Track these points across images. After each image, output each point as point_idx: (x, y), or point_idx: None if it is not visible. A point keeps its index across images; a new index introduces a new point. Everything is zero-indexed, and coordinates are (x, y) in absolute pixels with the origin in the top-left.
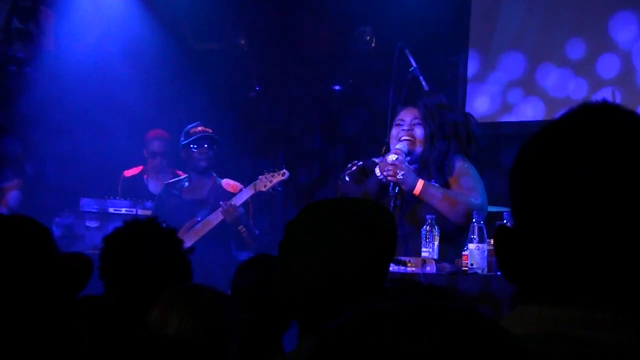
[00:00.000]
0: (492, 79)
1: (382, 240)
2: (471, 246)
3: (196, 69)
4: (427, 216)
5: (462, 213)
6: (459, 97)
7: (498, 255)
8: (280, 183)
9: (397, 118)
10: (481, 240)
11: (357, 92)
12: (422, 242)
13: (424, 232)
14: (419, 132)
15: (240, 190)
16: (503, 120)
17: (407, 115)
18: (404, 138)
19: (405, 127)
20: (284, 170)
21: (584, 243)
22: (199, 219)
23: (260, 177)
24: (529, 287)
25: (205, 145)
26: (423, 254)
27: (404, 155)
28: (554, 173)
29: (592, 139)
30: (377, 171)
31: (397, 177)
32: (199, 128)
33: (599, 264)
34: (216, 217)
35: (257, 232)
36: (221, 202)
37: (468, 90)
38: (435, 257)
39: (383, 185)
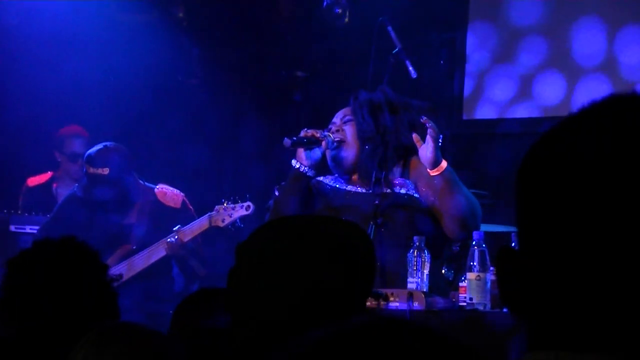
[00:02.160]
0: (498, 61)
1: (357, 267)
2: (471, 276)
3: (120, 47)
4: (415, 238)
5: (471, 214)
6: (456, 86)
7: (501, 285)
8: (243, 218)
9: (330, 124)
10: (483, 269)
11: (327, 80)
12: (408, 270)
13: (410, 258)
14: (349, 130)
15: (183, 202)
16: (512, 115)
17: (337, 116)
18: (335, 139)
19: (334, 128)
20: (249, 203)
21: (613, 272)
22: (134, 246)
23: (217, 207)
24: (541, 326)
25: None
26: (409, 286)
27: (323, 146)
28: (575, 181)
29: (624, 138)
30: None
31: (437, 147)
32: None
33: (634, 301)
34: (157, 252)
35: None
36: (168, 239)
37: (467, 77)
38: (425, 289)
39: (307, 180)
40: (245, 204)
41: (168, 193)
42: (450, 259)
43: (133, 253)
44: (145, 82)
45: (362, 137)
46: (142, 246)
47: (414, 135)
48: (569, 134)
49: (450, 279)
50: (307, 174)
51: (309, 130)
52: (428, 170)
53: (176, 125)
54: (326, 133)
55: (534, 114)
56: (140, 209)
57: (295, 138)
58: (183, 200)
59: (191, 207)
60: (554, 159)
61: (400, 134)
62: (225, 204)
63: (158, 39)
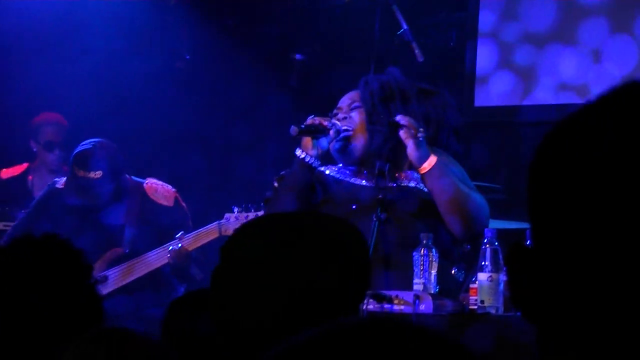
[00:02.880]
0: (515, 43)
1: (351, 267)
2: (482, 276)
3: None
4: (422, 235)
5: (473, 213)
6: (467, 70)
7: (512, 286)
8: None
9: (335, 108)
10: (496, 269)
11: (326, 63)
12: (414, 270)
13: (417, 258)
14: (357, 118)
15: (175, 199)
16: (530, 102)
17: (344, 101)
18: (343, 128)
19: (340, 115)
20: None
21: (634, 271)
22: (127, 250)
23: (228, 215)
24: (556, 330)
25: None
26: (416, 287)
27: (331, 134)
28: (592, 174)
29: None
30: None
31: (418, 136)
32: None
33: None
34: (159, 259)
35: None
36: (171, 246)
37: (479, 60)
38: (433, 291)
39: (312, 171)
40: (260, 213)
41: (159, 189)
42: (460, 259)
43: (125, 257)
44: (128, 66)
45: (372, 127)
46: (134, 249)
47: (401, 133)
48: (587, 123)
49: (460, 280)
50: (313, 165)
51: (316, 118)
52: (418, 169)
53: (160, 112)
54: (334, 121)
55: (555, 100)
56: (130, 208)
57: (303, 126)
58: (175, 197)
59: (184, 205)
60: (569, 150)
61: (428, 115)
62: (237, 212)
63: (143, 18)
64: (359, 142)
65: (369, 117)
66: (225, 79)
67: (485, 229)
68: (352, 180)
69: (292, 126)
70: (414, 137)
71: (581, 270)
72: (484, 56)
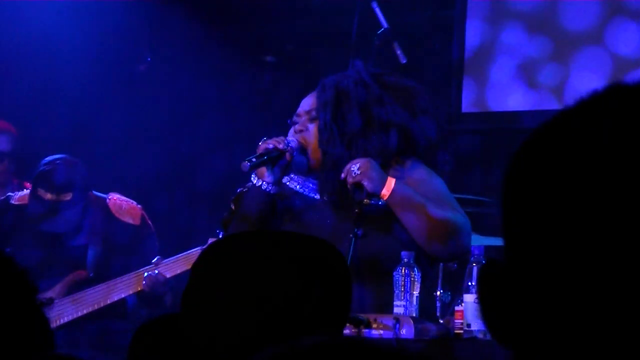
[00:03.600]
0: (506, 44)
1: (331, 289)
2: (468, 298)
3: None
4: (403, 253)
5: (448, 236)
6: (454, 73)
7: (482, 305)
8: None
9: (294, 115)
10: None
11: (300, 66)
12: (394, 291)
13: (397, 277)
14: (314, 132)
15: (142, 216)
16: (523, 108)
17: (303, 107)
18: (293, 145)
19: (297, 127)
20: None
21: (619, 291)
22: (92, 273)
23: (212, 240)
24: (534, 355)
25: None
26: (396, 310)
27: (288, 158)
28: (579, 183)
29: (631, 135)
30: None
31: (369, 173)
32: None
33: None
34: (129, 286)
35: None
36: (147, 272)
37: (467, 63)
38: (415, 314)
39: (270, 198)
40: None
41: (124, 205)
42: (446, 279)
43: (90, 281)
44: (85, 69)
45: (324, 148)
46: (99, 272)
47: (349, 180)
48: (569, 129)
49: (446, 301)
50: (271, 192)
51: (269, 142)
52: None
53: (122, 119)
54: (289, 140)
55: (550, 105)
56: (93, 226)
57: (254, 159)
58: (142, 215)
59: (150, 223)
60: (549, 158)
61: (371, 139)
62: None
63: (102, 17)
64: (316, 157)
65: (320, 136)
66: (190, 83)
67: (473, 246)
68: (315, 195)
69: (243, 162)
70: (363, 175)
71: (559, 290)
72: (473, 59)
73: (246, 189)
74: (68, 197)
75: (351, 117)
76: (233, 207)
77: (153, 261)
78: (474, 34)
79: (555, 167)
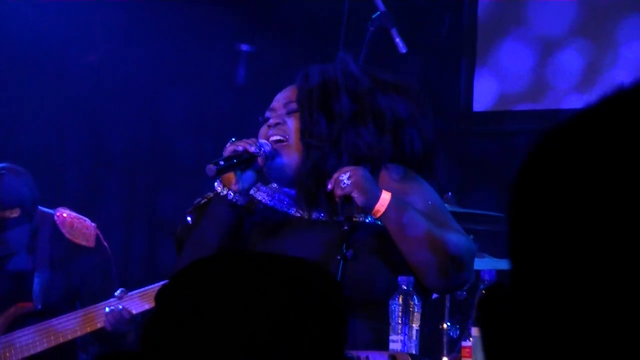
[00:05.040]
0: (523, 32)
1: (323, 322)
2: (477, 332)
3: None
4: (401, 279)
5: (449, 265)
6: (463, 66)
7: (485, 340)
8: None
9: (267, 110)
10: None
11: (281, 56)
12: (390, 324)
13: (394, 307)
14: (293, 125)
15: (97, 237)
16: (543, 107)
17: (279, 100)
18: (272, 139)
19: (272, 121)
20: None
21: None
22: (39, 305)
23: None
24: None
25: None
26: (392, 346)
27: (260, 163)
28: (596, 198)
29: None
30: (263, 195)
31: (362, 184)
32: None
33: None
34: (81, 323)
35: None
36: (109, 307)
37: (479, 53)
38: (414, 350)
39: (237, 211)
40: None
41: (75, 223)
42: (454, 309)
43: (35, 315)
44: (21, 61)
45: (307, 141)
46: (47, 304)
47: (337, 192)
48: (589, 133)
49: (454, 336)
50: (238, 203)
51: (238, 144)
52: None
53: (68, 120)
54: (262, 142)
55: (572, 104)
56: (40, 249)
57: (221, 162)
58: (97, 235)
59: (107, 245)
60: (565, 165)
61: (361, 136)
62: None
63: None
64: (294, 157)
65: (304, 126)
66: (156, 78)
67: (484, 271)
68: (291, 210)
69: (208, 165)
70: (354, 186)
71: (575, 317)
72: (485, 49)
73: (205, 199)
74: (15, 213)
75: (340, 106)
76: (190, 221)
77: (116, 294)
78: (487, 14)
79: (574, 176)
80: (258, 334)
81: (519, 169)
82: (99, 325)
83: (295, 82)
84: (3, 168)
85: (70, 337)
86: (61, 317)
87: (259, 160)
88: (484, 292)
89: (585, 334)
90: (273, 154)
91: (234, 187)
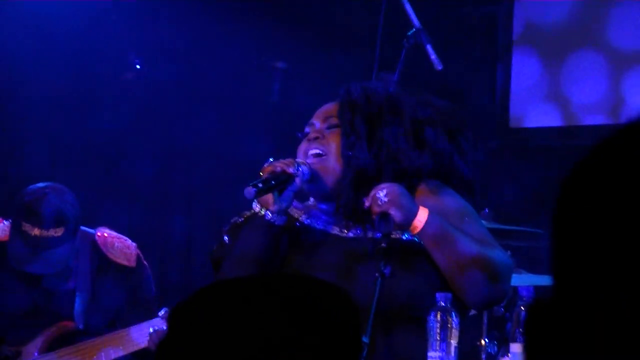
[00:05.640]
0: (561, 45)
1: (331, 338)
2: (516, 348)
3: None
4: (439, 295)
5: (486, 280)
6: (499, 81)
7: (529, 349)
8: None
9: (306, 124)
10: None
11: (315, 73)
12: (429, 340)
13: (432, 323)
14: (333, 140)
15: (137, 257)
16: (582, 122)
17: (319, 115)
18: (311, 152)
19: (312, 135)
20: None
21: None
22: (81, 325)
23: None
24: None
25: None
26: None
27: (298, 184)
28: (635, 211)
29: None
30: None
31: (398, 201)
32: None
33: None
34: (126, 343)
35: None
36: (153, 327)
37: (514, 68)
38: None
39: (274, 230)
40: None
41: (116, 243)
42: (492, 326)
43: (77, 335)
44: (61, 79)
45: (348, 155)
46: (89, 324)
47: (375, 209)
48: (624, 149)
49: (493, 353)
50: (276, 223)
51: (276, 164)
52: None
53: (108, 135)
54: (299, 162)
55: (609, 120)
56: (81, 268)
57: (260, 185)
58: (137, 255)
59: (147, 264)
60: (611, 181)
61: (402, 150)
62: None
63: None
64: (332, 172)
65: (346, 139)
66: (188, 95)
67: (521, 287)
68: (328, 228)
69: (247, 187)
70: (391, 203)
71: (620, 333)
72: (522, 65)
73: (243, 219)
74: (59, 232)
75: (381, 121)
76: (227, 240)
77: (160, 314)
78: (523, 32)
79: (621, 191)
80: (268, 356)
81: (563, 184)
82: (142, 345)
83: (337, 97)
84: (47, 187)
85: (113, 356)
86: (104, 336)
87: (297, 180)
88: (524, 308)
89: (633, 348)
90: (311, 175)
91: (272, 208)
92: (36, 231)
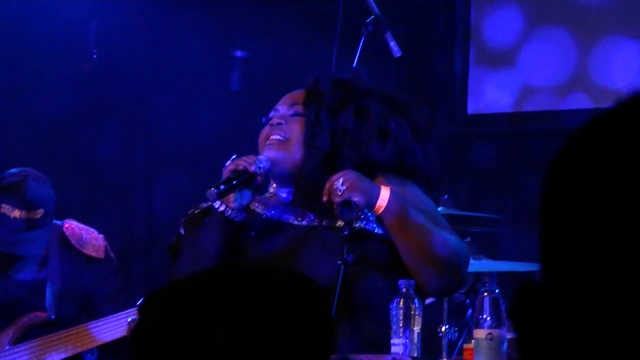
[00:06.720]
0: (519, 32)
1: (306, 326)
2: (479, 334)
3: None
4: (401, 282)
5: (448, 264)
6: (457, 67)
7: (518, 329)
8: None
9: (272, 110)
10: (497, 323)
11: (276, 61)
12: (392, 327)
13: (395, 310)
14: (295, 128)
15: (106, 249)
16: (539, 107)
17: (284, 102)
18: (273, 137)
19: (276, 121)
20: None
21: None
22: (53, 315)
23: None
24: None
25: None
26: (394, 349)
27: (259, 182)
28: (624, 192)
29: None
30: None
31: (358, 185)
32: None
33: None
34: (104, 332)
35: None
36: (131, 317)
37: (472, 55)
38: (416, 353)
39: (233, 226)
40: None
41: (85, 236)
42: (451, 312)
43: (49, 325)
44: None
45: (309, 144)
46: (60, 315)
47: (336, 200)
48: (620, 134)
49: (453, 338)
50: (236, 219)
51: (239, 162)
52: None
53: (65, 123)
54: (262, 158)
55: (564, 105)
56: (51, 258)
57: (222, 186)
58: (105, 247)
59: (113, 255)
60: (591, 162)
61: (365, 144)
62: None
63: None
64: (291, 156)
65: (309, 128)
66: (146, 84)
67: (484, 273)
68: (283, 217)
69: (209, 190)
70: (352, 189)
71: (614, 315)
72: (479, 52)
73: (199, 210)
74: (39, 214)
75: (346, 114)
76: (183, 232)
77: (138, 303)
78: (482, 18)
79: (609, 173)
80: (242, 347)
81: (548, 169)
82: (120, 335)
83: (304, 85)
84: (26, 171)
85: (91, 345)
86: (82, 325)
87: (258, 179)
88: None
89: (624, 333)
90: (271, 169)
91: (232, 205)
92: (16, 213)
